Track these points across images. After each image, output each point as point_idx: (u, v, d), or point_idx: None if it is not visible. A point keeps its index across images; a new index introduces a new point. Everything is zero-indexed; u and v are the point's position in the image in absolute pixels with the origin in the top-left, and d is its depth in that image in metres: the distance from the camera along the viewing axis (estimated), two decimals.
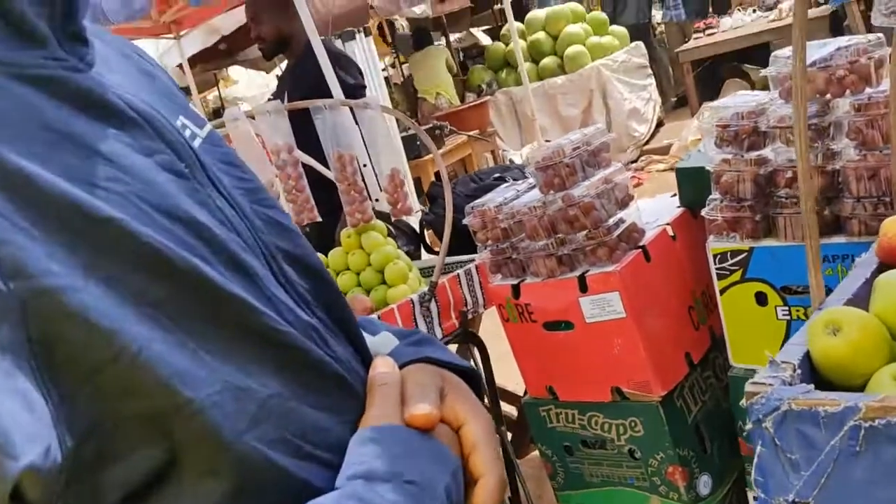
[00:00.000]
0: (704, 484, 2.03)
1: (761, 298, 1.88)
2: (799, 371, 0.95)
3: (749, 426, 0.91)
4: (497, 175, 2.68)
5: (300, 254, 0.73)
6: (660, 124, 7.94)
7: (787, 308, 1.85)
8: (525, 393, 2.22)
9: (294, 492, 0.61)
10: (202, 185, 0.64)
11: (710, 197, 1.89)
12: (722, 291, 1.92)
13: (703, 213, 1.89)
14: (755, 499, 0.92)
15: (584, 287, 1.91)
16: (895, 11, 1.19)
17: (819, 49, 1.74)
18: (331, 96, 2.73)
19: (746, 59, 6.70)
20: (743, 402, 0.91)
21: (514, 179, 2.62)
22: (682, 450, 1.98)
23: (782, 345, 1.89)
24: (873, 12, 1.22)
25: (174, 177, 0.62)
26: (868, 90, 1.68)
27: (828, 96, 1.72)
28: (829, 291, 1.79)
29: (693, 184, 2.08)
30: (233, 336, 0.60)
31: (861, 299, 1.21)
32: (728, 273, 1.90)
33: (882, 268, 1.30)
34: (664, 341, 1.97)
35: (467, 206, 2.12)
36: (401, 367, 0.76)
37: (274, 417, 0.60)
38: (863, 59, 1.65)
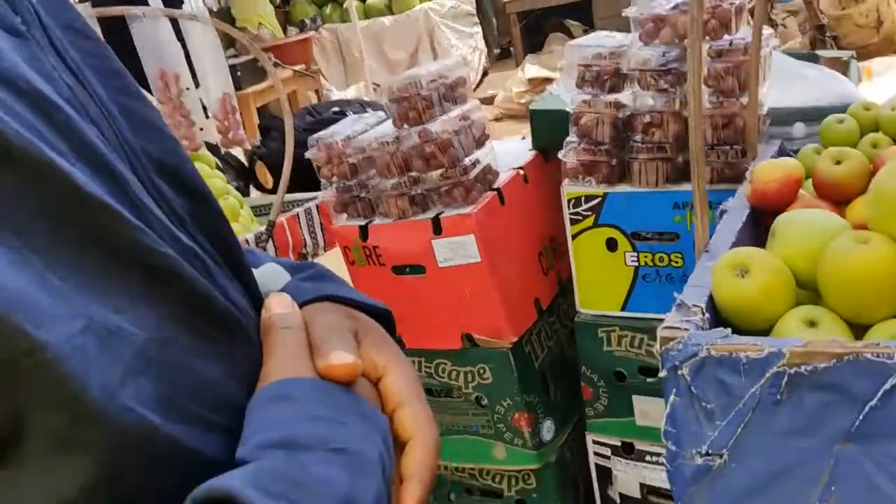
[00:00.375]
0: (548, 429, 2.03)
1: (612, 244, 1.87)
2: (707, 315, 0.89)
3: (662, 374, 0.84)
4: (336, 109, 2.50)
5: (176, 164, 0.55)
6: (484, 74, 7.98)
7: (635, 254, 1.85)
8: None
9: (183, 467, 0.45)
10: (44, 51, 0.45)
11: (568, 139, 1.84)
12: (574, 237, 1.90)
13: (559, 155, 1.84)
14: (668, 451, 0.86)
15: (438, 229, 1.81)
16: None
17: None
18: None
19: (570, 13, 6.87)
20: (657, 349, 0.84)
21: (354, 112, 2.46)
22: (529, 396, 1.96)
23: (629, 291, 1.92)
24: None
25: (5, 33, 0.42)
26: (727, 36, 1.68)
27: (686, 41, 1.70)
28: (677, 237, 1.81)
29: (547, 126, 2.03)
30: (98, 257, 0.43)
31: (743, 244, 1.19)
32: (581, 218, 1.87)
33: (754, 213, 1.30)
34: (516, 287, 1.92)
35: (310, 138, 1.94)
36: (300, 307, 0.61)
37: (154, 369, 0.44)
38: (724, 5, 1.65)
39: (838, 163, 1.24)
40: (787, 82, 1.84)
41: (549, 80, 5.97)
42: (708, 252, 1.09)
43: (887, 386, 0.74)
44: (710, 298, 0.95)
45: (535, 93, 6.07)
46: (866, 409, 0.76)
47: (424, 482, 0.55)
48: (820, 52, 2.39)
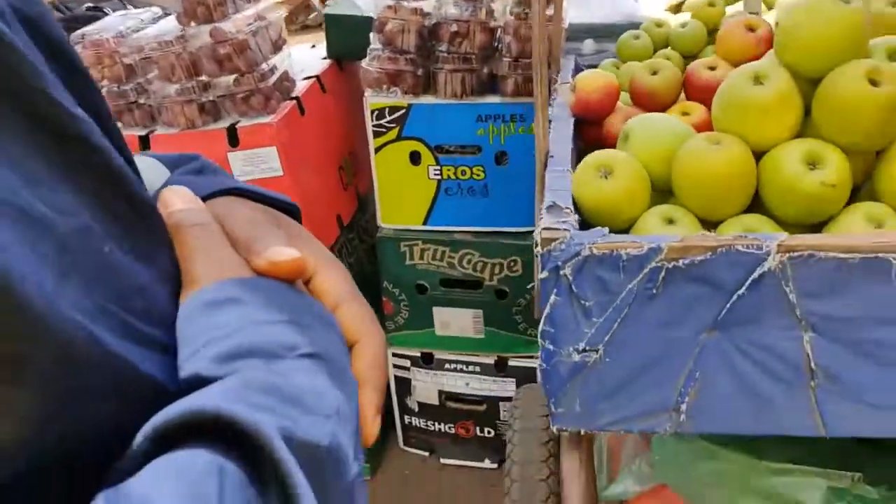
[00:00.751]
0: None
1: (415, 157, 1.84)
2: (576, 216, 0.90)
3: (543, 275, 0.83)
4: (90, 5, 2.17)
5: (37, 14, 0.41)
6: None
7: (438, 168, 1.84)
8: None
9: (138, 393, 0.35)
10: None
11: (372, 47, 1.76)
12: (377, 150, 1.84)
13: (362, 63, 1.76)
14: (543, 350, 0.86)
15: (234, 140, 1.66)
16: None
17: None
18: None
19: None
20: (538, 250, 0.83)
21: (113, 10, 2.15)
22: None
23: (431, 204, 1.91)
24: None
25: None
26: None
27: None
28: (479, 150, 1.82)
29: (342, 33, 1.93)
30: (15, 120, 0.31)
31: (574, 151, 1.22)
32: (385, 130, 1.81)
33: (578, 122, 1.33)
34: (318, 203, 1.83)
35: (73, 34, 1.66)
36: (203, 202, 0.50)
37: (81, 269, 0.33)
38: None
39: (654, 73, 1.30)
40: (578, 0, 1.90)
41: None
42: (553, 157, 1.09)
43: (755, 275, 0.80)
44: (573, 201, 0.96)
45: (292, 5, 5.77)
46: (734, 297, 0.81)
47: (380, 387, 0.49)
48: None
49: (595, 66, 1.76)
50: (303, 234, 0.53)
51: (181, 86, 1.64)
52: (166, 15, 1.76)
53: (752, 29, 1.28)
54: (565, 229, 0.84)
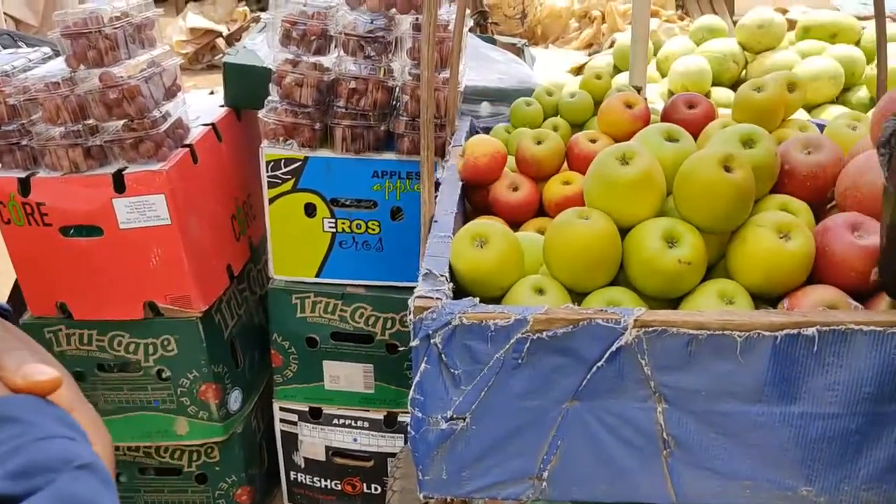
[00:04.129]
0: (235, 399, 1.95)
1: (310, 210, 1.84)
2: (451, 284, 0.92)
3: (414, 343, 0.85)
4: None
5: None
6: None
7: (333, 221, 1.84)
8: (26, 312, 1.82)
9: None
10: None
11: (269, 99, 1.76)
12: (271, 200, 1.83)
13: (260, 115, 1.75)
14: (411, 418, 0.87)
15: (120, 187, 1.62)
16: None
17: None
18: None
19: None
20: (410, 318, 0.84)
21: (4, 47, 2.09)
22: (217, 367, 1.86)
23: (325, 257, 1.90)
24: None
25: None
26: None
27: (393, 10, 1.72)
28: (375, 205, 1.84)
29: (241, 82, 1.92)
30: None
31: (459, 215, 1.24)
32: (280, 182, 1.81)
33: (465, 187, 1.37)
34: (208, 252, 1.80)
35: None
36: None
37: None
38: None
39: (539, 143, 1.35)
40: (475, 63, 1.95)
41: (212, 33, 5.68)
42: (437, 222, 1.11)
43: (613, 348, 0.83)
44: (450, 267, 0.97)
45: (198, 44, 5.73)
46: (593, 369, 0.84)
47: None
48: (498, 37, 2.59)
49: (490, 128, 1.81)
50: (28, 343, 0.56)
51: (66, 129, 1.60)
52: (56, 55, 1.72)
53: (629, 106, 1.35)
54: (438, 298, 0.86)
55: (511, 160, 1.44)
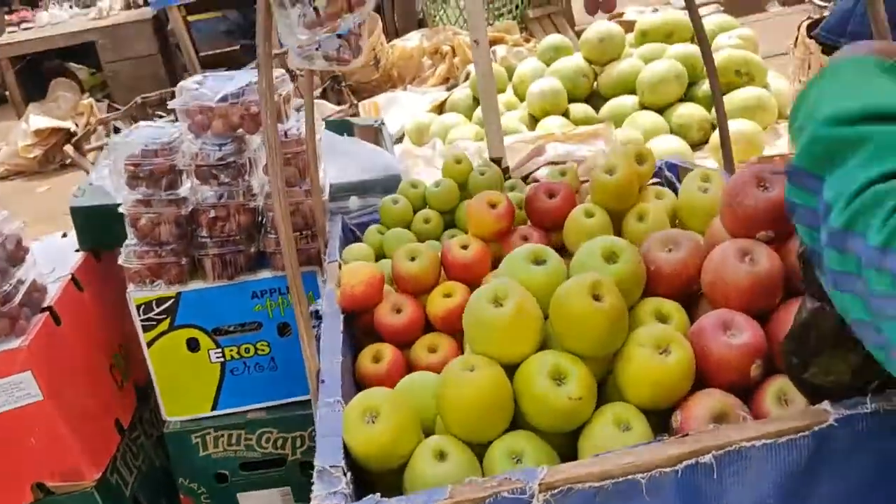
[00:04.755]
0: None
1: (193, 344, 1.76)
2: (349, 473, 0.88)
3: None
4: None
5: None
6: None
7: (220, 350, 1.77)
8: None
9: None
10: None
11: (127, 242, 1.67)
12: (149, 344, 1.74)
13: (120, 261, 1.67)
14: None
15: None
16: (309, 56, 1.19)
17: (227, 82, 1.68)
18: None
19: (71, 56, 6.25)
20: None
21: None
22: None
23: (218, 388, 1.82)
24: (290, 54, 1.20)
25: None
26: (280, 126, 1.69)
27: (240, 131, 1.67)
28: (260, 326, 1.77)
29: (93, 225, 1.82)
30: None
31: (346, 353, 1.21)
32: (155, 323, 1.72)
33: (348, 316, 1.33)
34: (91, 413, 1.69)
35: None
36: None
37: None
38: (274, 97, 1.65)
39: (413, 259, 1.33)
40: (336, 158, 1.92)
41: (59, 131, 5.41)
42: (325, 383, 1.07)
43: None
44: (345, 445, 0.94)
45: (45, 145, 5.46)
46: None
47: None
48: (353, 120, 2.57)
49: (363, 225, 1.78)
50: None
51: None
52: None
53: (493, 205, 1.35)
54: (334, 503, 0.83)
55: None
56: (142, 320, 1.71)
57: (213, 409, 1.80)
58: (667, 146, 3.57)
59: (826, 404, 0.84)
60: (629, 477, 0.82)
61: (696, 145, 3.78)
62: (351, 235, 1.78)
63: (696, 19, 1.62)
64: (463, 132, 4.06)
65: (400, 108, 4.79)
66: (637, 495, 0.82)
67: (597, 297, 0.92)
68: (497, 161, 1.82)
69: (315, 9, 1.00)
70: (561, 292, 0.95)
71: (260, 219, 1.73)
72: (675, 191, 1.70)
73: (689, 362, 0.92)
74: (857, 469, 0.84)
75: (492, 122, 1.81)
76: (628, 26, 4.48)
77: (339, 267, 1.51)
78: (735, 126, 3.54)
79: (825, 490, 0.84)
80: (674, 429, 0.93)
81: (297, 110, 1.75)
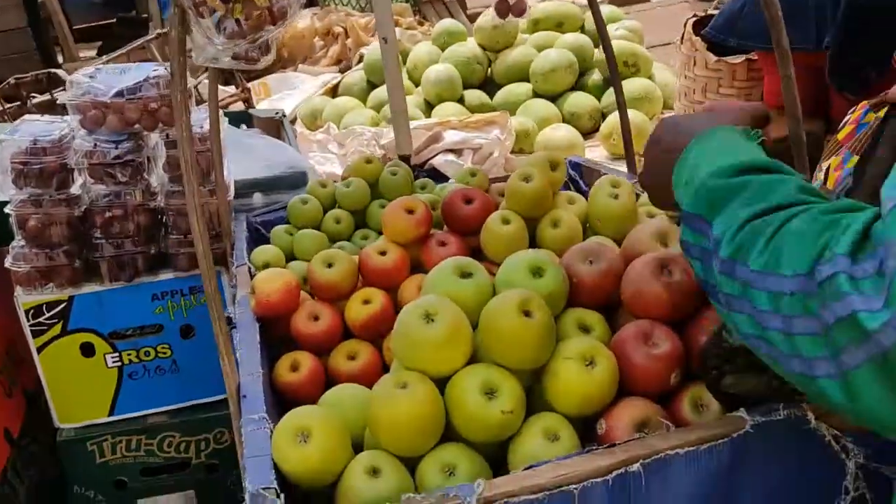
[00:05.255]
0: None
1: (87, 349, 1.68)
2: (282, 496, 0.87)
3: None
4: None
5: None
6: None
7: (117, 354, 1.70)
8: None
9: None
10: None
11: (14, 244, 1.57)
12: (40, 349, 1.65)
13: (7, 265, 1.56)
14: None
15: None
16: (216, 56, 1.15)
17: (122, 76, 1.60)
18: None
19: None
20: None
21: None
22: None
23: (115, 393, 1.74)
24: (195, 52, 1.15)
25: None
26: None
27: (137, 126, 1.59)
28: (161, 328, 1.71)
29: None
30: None
31: (265, 360, 1.18)
32: (46, 328, 1.63)
33: (263, 325, 1.30)
34: None
35: None
36: None
37: None
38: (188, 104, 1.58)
39: (330, 265, 1.31)
40: (238, 154, 1.86)
41: None
42: (246, 398, 1.05)
43: None
44: (275, 464, 0.92)
45: None
46: None
47: None
48: (253, 112, 2.49)
49: (269, 223, 1.74)
50: None
51: None
52: None
53: (410, 211, 1.35)
54: None
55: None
56: (31, 325, 1.61)
57: (111, 414, 1.73)
58: (560, 134, 3.67)
59: (742, 412, 0.89)
60: (562, 489, 0.85)
61: (587, 133, 3.89)
62: (256, 234, 1.73)
63: (596, 15, 1.66)
64: (357, 117, 4.02)
65: (291, 90, 4.67)
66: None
67: (527, 313, 0.94)
68: (405, 159, 1.81)
69: (237, 20, 0.97)
70: (492, 308, 0.96)
71: (161, 218, 1.66)
72: (578, 187, 1.76)
73: (613, 373, 0.96)
74: (771, 471, 0.91)
75: (400, 120, 1.80)
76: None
77: (249, 271, 1.47)
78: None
79: (742, 492, 0.90)
80: (598, 436, 0.97)
81: (198, 104, 1.69)
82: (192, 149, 1.08)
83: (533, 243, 1.32)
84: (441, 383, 0.97)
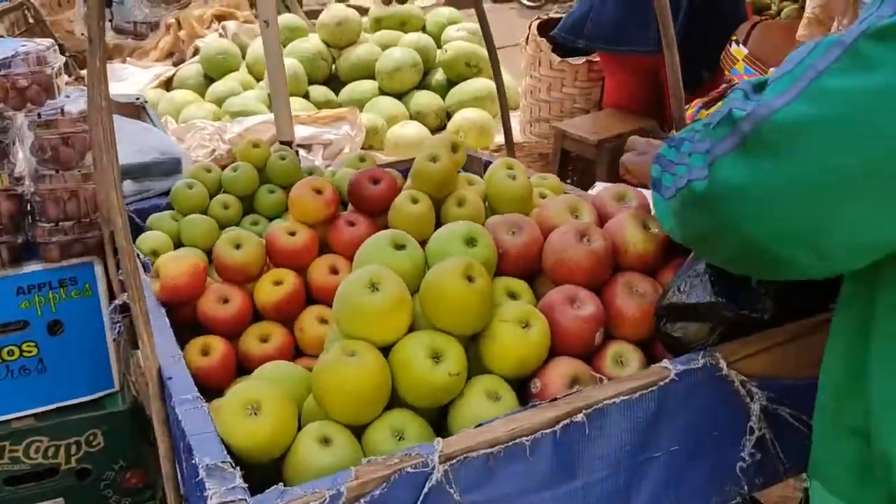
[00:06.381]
0: None
1: None
2: (237, 467, 0.85)
3: None
4: None
5: None
6: None
7: None
8: None
9: None
10: None
11: None
12: None
13: None
14: None
15: None
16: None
17: None
18: None
19: None
20: None
21: None
22: None
23: None
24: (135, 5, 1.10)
25: None
26: (50, 102, 1.51)
27: (2, 106, 1.47)
28: (26, 325, 1.59)
29: None
30: None
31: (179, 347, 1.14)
32: None
33: (170, 308, 1.24)
34: None
35: None
36: None
37: None
38: (46, 69, 1.47)
39: (238, 247, 1.28)
40: None
41: None
42: (172, 380, 1.00)
43: (426, 489, 0.85)
44: (222, 440, 0.90)
45: None
46: None
47: None
48: (114, 99, 2.33)
49: (143, 211, 1.67)
50: None
51: None
52: None
53: (319, 191, 1.35)
54: (241, 498, 0.80)
55: None
56: None
57: None
58: (409, 131, 3.74)
59: (665, 362, 0.99)
60: (516, 441, 0.90)
61: (434, 131, 3.99)
62: (129, 223, 1.64)
63: (483, 22, 1.74)
64: (197, 111, 3.88)
65: (119, 82, 4.42)
66: (521, 455, 0.90)
67: (470, 279, 0.98)
68: (288, 144, 1.79)
69: None
70: (436, 275, 0.99)
71: (27, 206, 1.53)
72: None
73: (547, 334, 1.02)
74: (689, 414, 1.01)
75: (281, 106, 1.78)
76: (364, 11, 4.56)
77: (139, 258, 1.40)
78: (467, 114, 3.81)
79: (666, 431, 0.99)
80: (533, 394, 1.03)
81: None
82: (107, 125, 1.02)
83: (439, 223, 1.36)
84: (385, 351, 0.99)
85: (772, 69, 2.33)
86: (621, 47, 2.59)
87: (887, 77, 0.64)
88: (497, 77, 1.77)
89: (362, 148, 3.59)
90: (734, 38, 2.77)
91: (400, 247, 1.08)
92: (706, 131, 0.83)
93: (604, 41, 2.62)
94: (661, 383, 0.97)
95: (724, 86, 2.35)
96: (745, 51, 2.70)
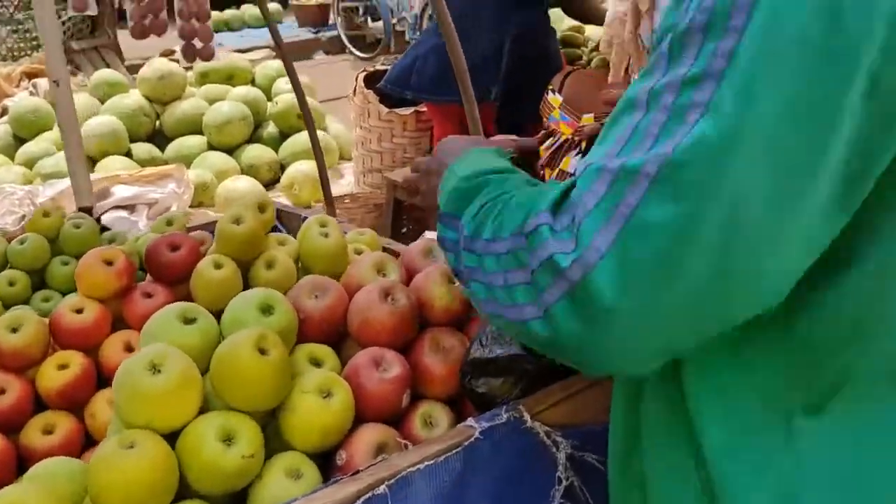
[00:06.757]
0: None
1: None
2: None
3: None
4: None
5: None
6: None
7: None
8: None
9: None
10: None
11: None
12: None
13: None
14: None
15: None
16: None
17: None
18: None
19: None
20: None
21: None
22: None
23: None
24: None
25: None
26: None
27: None
28: None
29: None
30: None
31: None
32: None
33: None
34: None
35: None
36: None
37: None
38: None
39: (14, 330, 1.16)
40: None
41: None
42: None
43: None
44: None
45: None
46: None
47: None
48: None
49: None
50: None
51: None
52: None
53: (109, 262, 1.25)
54: None
55: None
56: None
57: None
58: (241, 186, 3.63)
59: (470, 420, 0.97)
60: None
61: (267, 185, 3.90)
62: None
63: (293, 78, 1.70)
64: (6, 174, 3.62)
65: None
66: None
67: (262, 351, 0.93)
68: (87, 210, 1.67)
69: None
70: (225, 349, 0.93)
71: None
72: (277, 231, 1.76)
73: (350, 402, 0.98)
74: (497, 470, 0.98)
75: (78, 169, 1.66)
76: (188, 66, 4.43)
77: None
78: (302, 167, 3.76)
79: (474, 492, 0.97)
80: (339, 467, 0.98)
81: None
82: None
83: (246, 287, 1.30)
84: (171, 438, 0.91)
85: (584, 115, 2.44)
86: (443, 98, 2.64)
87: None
88: (311, 133, 1.74)
89: (192, 205, 3.45)
90: (550, 87, 2.89)
91: (190, 321, 1.00)
92: (513, 261, 0.72)
93: (427, 92, 2.67)
94: (466, 443, 0.95)
95: (543, 132, 2.43)
96: (560, 98, 2.82)
